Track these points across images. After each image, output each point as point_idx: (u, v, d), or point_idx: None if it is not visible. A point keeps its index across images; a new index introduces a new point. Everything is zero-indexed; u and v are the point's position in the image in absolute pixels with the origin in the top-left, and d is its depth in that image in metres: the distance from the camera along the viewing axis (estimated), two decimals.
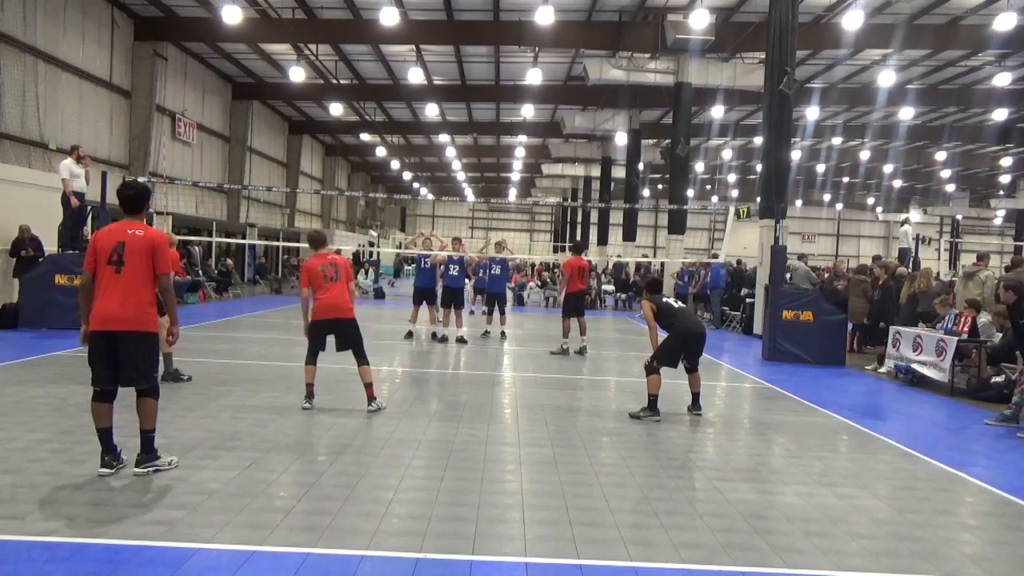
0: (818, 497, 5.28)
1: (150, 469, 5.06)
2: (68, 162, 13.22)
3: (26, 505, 4.34)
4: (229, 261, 26.46)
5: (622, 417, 7.81)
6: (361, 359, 7.37)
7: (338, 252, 8.28)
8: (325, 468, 5.43)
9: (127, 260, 4.87)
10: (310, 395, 7.38)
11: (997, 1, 19.53)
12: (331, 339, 7.41)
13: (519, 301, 25.83)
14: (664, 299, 8.16)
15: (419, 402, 8.02)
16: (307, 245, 7.81)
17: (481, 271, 15.44)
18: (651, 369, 7.69)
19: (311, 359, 7.42)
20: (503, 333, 14.37)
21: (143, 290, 4.95)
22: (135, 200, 5.11)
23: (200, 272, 21.90)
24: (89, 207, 13.54)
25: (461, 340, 13.16)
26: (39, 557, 3.72)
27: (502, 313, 14.46)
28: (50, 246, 13.54)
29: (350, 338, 7.39)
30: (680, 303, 8.28)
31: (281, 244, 30.73)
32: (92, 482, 4.79)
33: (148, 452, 5.11)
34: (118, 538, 3.95)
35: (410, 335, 13.34)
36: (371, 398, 7.36)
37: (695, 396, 7.99)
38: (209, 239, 24.62)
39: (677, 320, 7.86)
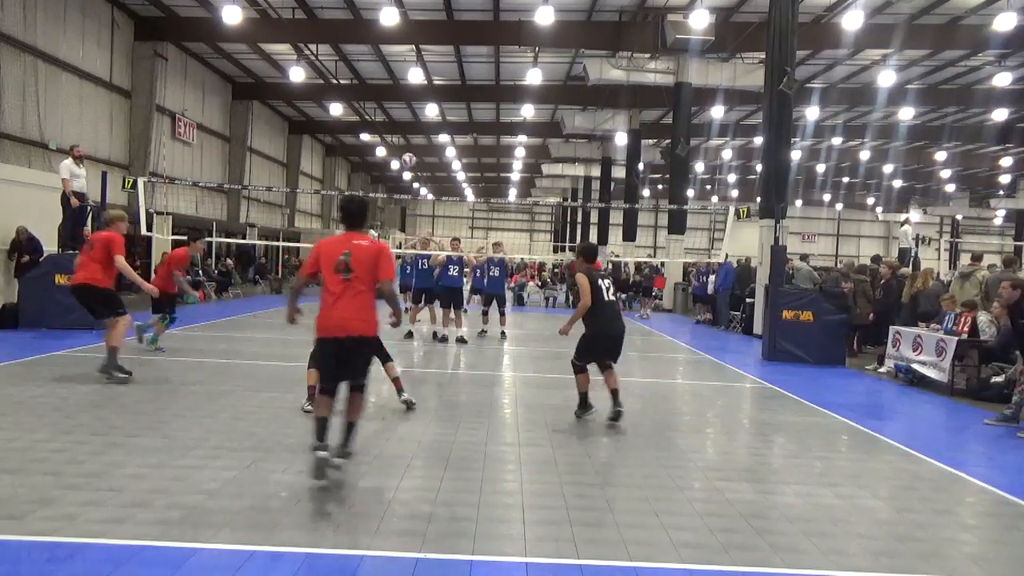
0: (818, 497, 5.28)
1: (342, 458, 5.16)
2: (68, 162, 13.21)
3: (26, 505, 4.34)
4: (229, 261, 26.48)
5: (622, 417, 7.81)
6: (383, 357, 7.40)
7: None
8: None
9: (355, 268, 5.03)
10: (312, 398, 7.29)
11: (997, 1, 19.54)
12: None
13: (519, 301, 25.84)
14: (599, 279, 7.25)
15: (419, 402, 8.02)
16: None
17: (479, 272, 15.41)
18: (578, 368, 7.35)
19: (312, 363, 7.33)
20: (503, 333, 14.34)
21: (369, 297, 5.13)
22: (359, 213, 5.33)
23: (200, 272, 21.88)
24: (89, 207, 13.53)
25: (461, 340, 13.16)
26: (39, 557, 3.71)
27: (502, 314, 14.43)
28: (50, 246, 13.53)
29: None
30: (611, 296, 7.32)
31: (281, 244, 30.74)
32: (92, 482, 4.79)
33: (347, 445, 5.26)
34: (118, 538, 3.95)
35: (410, 335, 13.34)
36: (400, 390, 7.53)
37: (613, 394, 7.23)
38: (209, 239, 24.60)
39: (597, 315, 7.14)
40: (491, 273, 14.49)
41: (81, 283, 8.37)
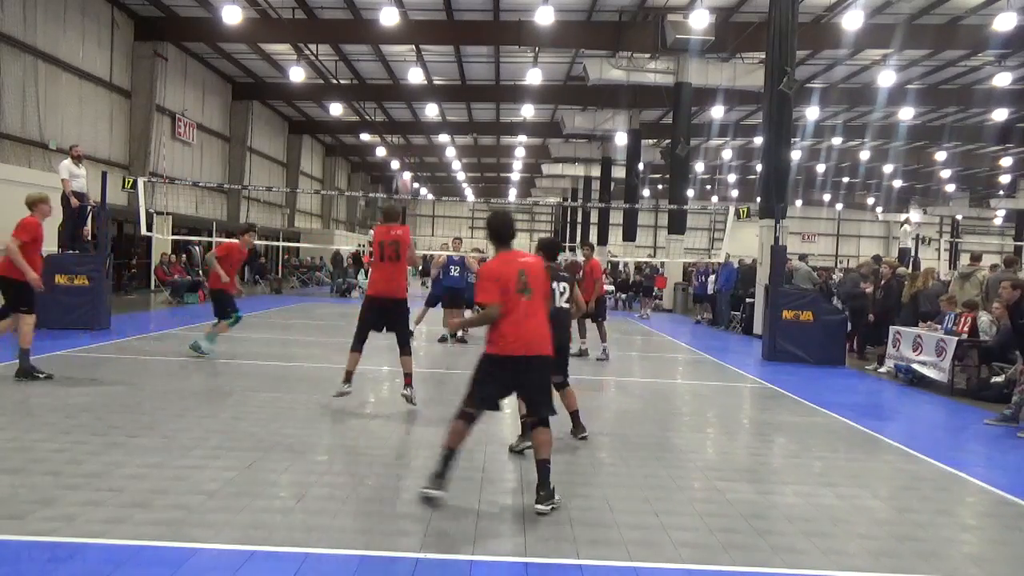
0: (818, 497, 5.28)
1: (550, 507, 4.61)
2: (67, 162, 13.21)
3: (26, 505, 4.34)
4: None
5: (622, 417, 7.81)
6: (403, 348, 7.33)
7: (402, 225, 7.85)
8: (325, 468, 5.43)
9: (533, 287, 4.86)
10: (348, 380, 7.29)
11: (997, 1, 19.54)
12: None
13: None
14: (553, 280, 6.14)
15: (419, 402, 8.02)
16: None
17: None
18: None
19: (357, 345, 7.30)
20: None
21: (546, 314, 5.05)
22: (508, 230, 5.03)
23: (200, 272, 21.87)
24: (89, 207, 13.53)
25: (461, 340, 13.15)
26: (39, 557, 3.71)
27: None
28: (50, 246, 13.52)
29: (396, 322, 7.32)
30: (563, 303, 6.36)
31: (281, 244, 30.74)
32: (92, 482, 4.79)
33: (546, 487, 4.68)
34: (118, 538, 3.94)
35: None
36: (408, 385, 7.38)
37: (573, 415, 6.53)
38: (209, 239, 24.60)
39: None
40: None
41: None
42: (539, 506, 4.58)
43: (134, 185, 15.13)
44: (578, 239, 46.30)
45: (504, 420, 7.36)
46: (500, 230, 4.97)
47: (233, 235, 27.46)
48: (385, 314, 7.35)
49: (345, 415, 7.13)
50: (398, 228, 7.47)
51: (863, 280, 13.58)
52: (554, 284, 6.11)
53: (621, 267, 31.13)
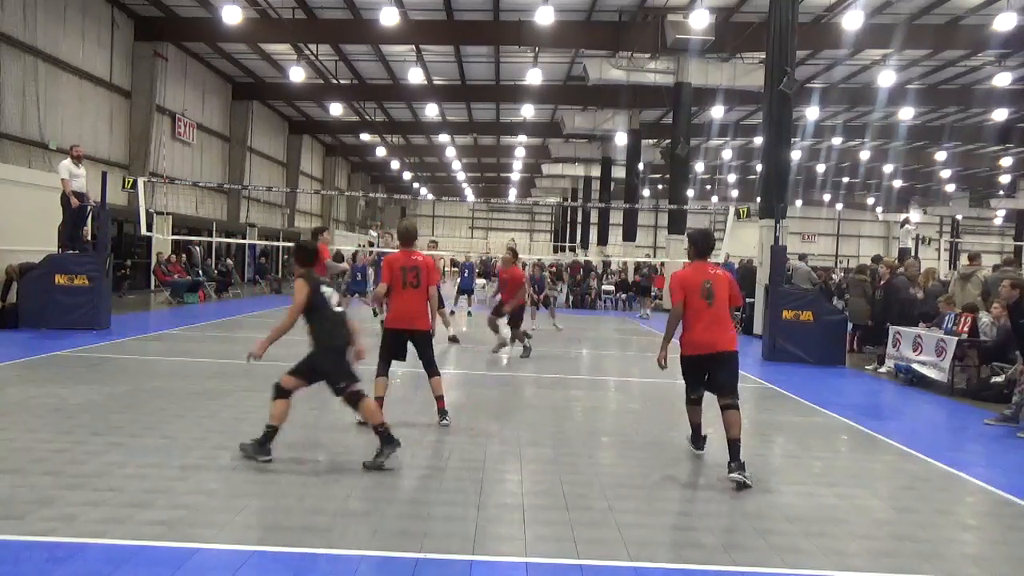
0: (818, 497, 5.28)
1: (744, 477, 5.33)
2: (67, 162, 13.19)
3: (26, 505, 4.34)
4: (229, 261, 26.45)
5: (622, 417, 7.81)
6: (431, 370, 6.84)
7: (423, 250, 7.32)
8: (325, 468, 5.43)
9: (716, 294, 5.70)
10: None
11: (997, 1, 19.54)
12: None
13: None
14: (322, 284, 5.63)
15: (419, 402, 8.02)
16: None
17: (466, 272, 15.76)
18: (281, 392, 5.56)
19: (382, 370, 6.66)
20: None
21: (730, 318, 5.94)
22: (708, 244, 6.00)
23: (200, 272, 21.89)
24: (89, 207, 13.53)
25: (453, 339, 13.13)
26: (39, 557, 3.71)
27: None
28: (50, 246, 13.53)
29: (422, 350, 6.78)
30: (339, 307, 5.75)
31: (281, 244, 30.74)
32: (92, 482, 4.79)
33: (737, 459, 5.46)
34: (118, 538, 3.95)
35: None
36: (441, 411, 6.85)
37: (378, 429, 5.42)
38: (209, 239, 24.63)
39: (321, 328, 5.58)
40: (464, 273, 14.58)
41: None
42: (735, 475, 5.32)
43: (134, 185, 15.12)
44: (578, 239, 46.39)
45: (504, 421, 7.36)
46: (700, 244, 5.96)
47: (233, 235, 27.58)
48: (413, 342, 6.77)
49: (345, 416, 7.12)
50: (418, 254, 6.79)
51: (912, 284, 12.70)
52: (324, 289, 5.60)
53: (613, 266, 31.54)
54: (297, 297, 5.52)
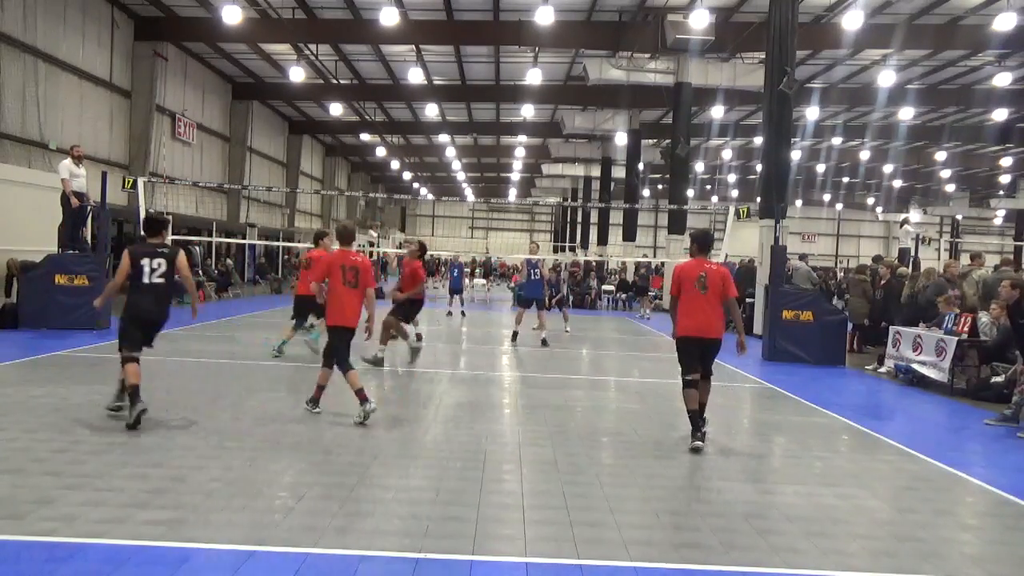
0: (818, 497, 5.28)
1: (700, 444, 6.35)
2: (67, 162, 13.19)
3: (26, 505, 4.34)
4: (229, 261, 26.43)
5: (622, 417, 7.81)
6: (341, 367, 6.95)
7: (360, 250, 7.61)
8: (325, 468, 5.43)
9: (709, 285, 6.43)
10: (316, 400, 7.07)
11: (997, 1, 19.53)
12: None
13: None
14: (145, 256, 6.40)
15: (419, 402, 8.02)
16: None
17: (455, 271, 16.01)
18: (126, 358, 6.31)
19: (327, 363, 6.98)
20: (544, 340, 13.67)
21: (721, 308, 6.55)
22: (707, 242, 6.78)
23: (200, 272, 21.87)
24: (89, 207, 13.53)
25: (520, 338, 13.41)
26: (39, 557, 3.71)
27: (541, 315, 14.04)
28: (50, 246, 13.53)
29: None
30: (155, 279, 6.45)
31: (281, 244, 30.72)
32: (92, 482, 4.79)
33: (699, 428, 6.43)
34: (118, 538, 3.95)
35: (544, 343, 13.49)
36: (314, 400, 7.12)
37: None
38: (209, 239, 24.62)
39: (133, 298, 6.40)
40: (532, 276, 14.35)
41: None
42: (698, 443, 6.30)
43: (134, 185, 15.12)
44: (578, 239, 46.39)
45: (504, 420, 7.36)
46: (701, 241, 6.73)
47: (232, 235, 27.57)
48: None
49: (345, 416, 7.12)
50: (356, 255, 7.06)
51: (952, 287, 12.33)
52: (144, 260, 6.41)
53: (608, 266, 31.69)
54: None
